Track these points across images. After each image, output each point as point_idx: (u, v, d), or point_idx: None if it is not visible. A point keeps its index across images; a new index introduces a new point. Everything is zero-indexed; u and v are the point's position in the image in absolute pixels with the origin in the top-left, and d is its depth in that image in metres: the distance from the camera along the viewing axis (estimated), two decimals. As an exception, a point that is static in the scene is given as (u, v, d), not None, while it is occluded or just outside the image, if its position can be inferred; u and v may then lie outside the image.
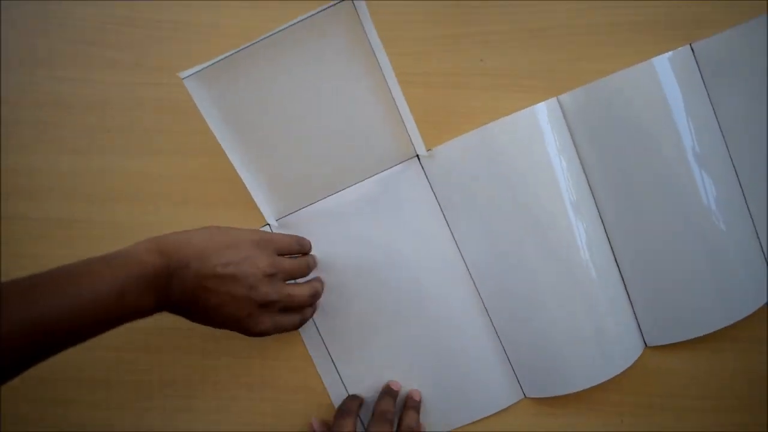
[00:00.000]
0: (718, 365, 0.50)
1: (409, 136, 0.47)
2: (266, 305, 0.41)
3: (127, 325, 0.51)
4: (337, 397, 0.51)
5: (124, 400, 0.51)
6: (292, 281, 0.46)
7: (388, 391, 0.49)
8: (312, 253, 0.49)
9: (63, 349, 0.35)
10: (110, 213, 0.51)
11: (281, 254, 0.44)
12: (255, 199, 0.48)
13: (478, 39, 0.50)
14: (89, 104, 0.51)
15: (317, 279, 0.49)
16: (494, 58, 0.50)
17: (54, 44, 0.51)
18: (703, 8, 0.49)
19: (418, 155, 0.49)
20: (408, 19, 0.50)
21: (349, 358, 0.50)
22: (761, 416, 0.50)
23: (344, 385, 0.50)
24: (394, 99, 0.46)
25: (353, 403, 0.49)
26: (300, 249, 0.47)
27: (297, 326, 0.45)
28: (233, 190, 0.50)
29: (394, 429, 0.47)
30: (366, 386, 0.50)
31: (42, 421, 0.52)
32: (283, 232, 0.49)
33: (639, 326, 0.50)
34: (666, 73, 0.47)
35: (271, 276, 0.41)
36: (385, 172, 0.49)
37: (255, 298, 0.40)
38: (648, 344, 0.50)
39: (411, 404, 0.49)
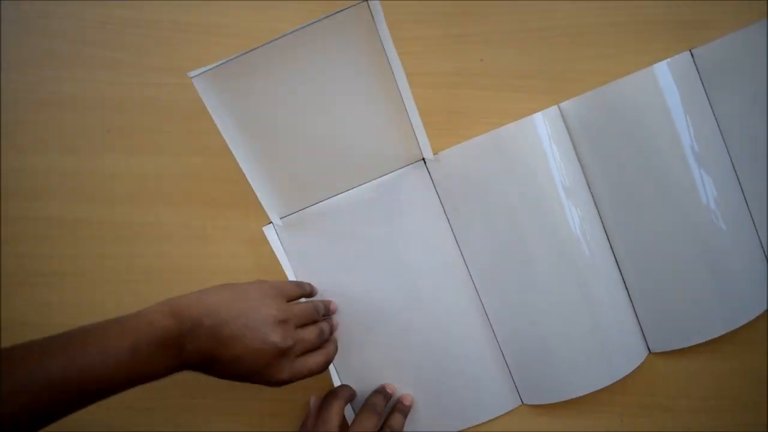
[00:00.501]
0: (719, 366, 0.50)
1: (416, 139, 0.47)
2: (283, 353, 0.40)
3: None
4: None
5: (124, 400, 0.51)
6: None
7: (382, 390, 0.49)
8: (330, 300, 0.49)
9: (75, 409, 0.35)
10: (110, 213, 0.51)
11: (290, 300, 0.44)
12: (259, 197, 0.48)
13: (478, 39, 0.50)
14: (89, 104, 0.51)
15: (327, 320, 0.48)
16: (494, 58, 0.50)
17: (54, 44, 0.51)
18: (703, 8, 0.49)
19: (424, 159, 0.49)
20: (408, 19, 0.50)
21: (347, 359, 0.50)
22: (761, 416, 0.50)
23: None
24: (403, 102, 0.46)
25: (343, 390, 0.49)
26: (303, 293, 0.47)
27: (322, 367, 0.44)
28: (234, 190, 0.50)
29: (380, 424, 0.47)
30: (362, 388, 0.50)
31: (42, 421, 0.52)
32: (287, 231, 0.49)
33: (642, 331, 0.50)
34: (666, 78, 0.47)
35: (283, 322, 0.41)
36: (390, 174, 0.49)
37: (270, 348, 0.40)
38: (651, 350, 0.50)
39: (400, 407, 0.49)
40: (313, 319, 0.45)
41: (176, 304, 0.39)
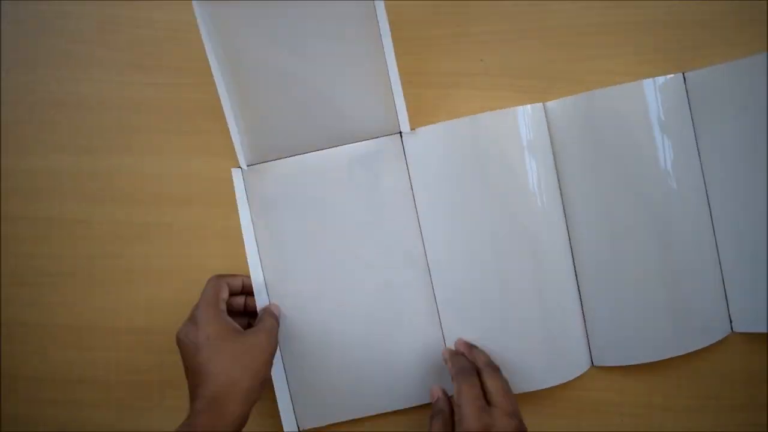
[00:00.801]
0: (719, 366, 0.50)
1: (396, 110, 0.47)
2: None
3: (127, 326, 0.51)
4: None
5: (124, 400, 0.51)
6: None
7: (458, 353, 0.47)
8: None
9: None
10: (110, 213, 0.51)
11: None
12: (232, 137, 0.47)
13: (478, 39, 0.50)
14: (89, 104, 0.51)
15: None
16: (494, 58, 0.50)
17: (54, 44, 0.51)
18: (703, 8, 0.49)
19: (401, 132, 0.48)
20: (408, 19, 0.50)
21: (297, 337, 0.49)
22: (761, 416, 0.50)
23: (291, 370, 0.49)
24: (387, 69, 0.46)
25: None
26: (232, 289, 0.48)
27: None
28: (234, 191, 0.50)
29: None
30: (309, 369, 0.49)
31: (42, 421, 0.52)
32: (252, 177, 0.48)
33: (588, 343, 0.49)
34: (652, 96, 0.46)
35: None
36: (364, 142, 0.48)
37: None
38: (594, 363, 0.50)
39: (489, 369, 0.45)
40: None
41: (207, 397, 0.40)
